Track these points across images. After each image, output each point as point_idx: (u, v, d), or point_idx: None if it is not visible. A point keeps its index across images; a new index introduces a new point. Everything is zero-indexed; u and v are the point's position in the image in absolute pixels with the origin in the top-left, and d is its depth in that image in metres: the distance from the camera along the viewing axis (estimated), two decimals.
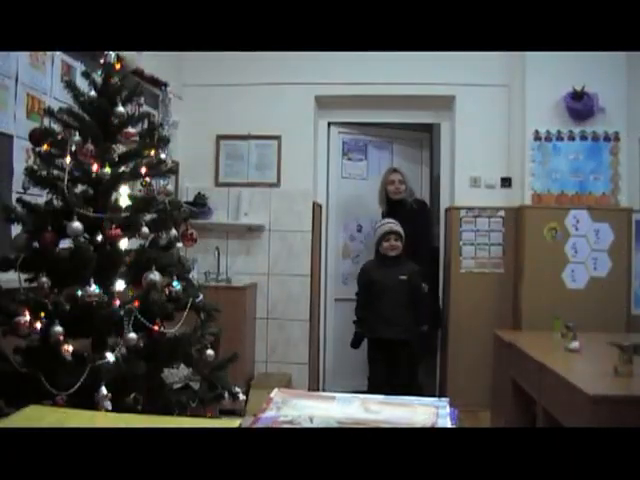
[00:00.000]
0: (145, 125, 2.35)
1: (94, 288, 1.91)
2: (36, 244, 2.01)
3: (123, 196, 2.07)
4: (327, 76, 4.59)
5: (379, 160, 4.92)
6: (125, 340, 1.95)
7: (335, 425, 0.83)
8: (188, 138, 4.67)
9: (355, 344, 3.99)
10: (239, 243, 4.69)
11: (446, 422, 0.85)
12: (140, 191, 2.18)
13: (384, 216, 4.40)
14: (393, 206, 4.45)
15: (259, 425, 0.84)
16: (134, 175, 2.14)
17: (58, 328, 1.88)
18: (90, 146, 2.00)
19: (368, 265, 4.05)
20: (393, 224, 3.95)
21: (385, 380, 3.75)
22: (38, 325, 1.90)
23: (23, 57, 2.71)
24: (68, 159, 2.01)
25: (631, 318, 4.13)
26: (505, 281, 4.44)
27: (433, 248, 4.69)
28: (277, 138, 4.68)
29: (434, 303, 4.49)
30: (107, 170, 2.05)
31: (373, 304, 3.81)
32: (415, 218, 4.37)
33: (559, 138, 4.26)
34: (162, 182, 2.29)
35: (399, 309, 3.74)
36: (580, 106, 4.16)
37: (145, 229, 2.08)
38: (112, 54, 2.17)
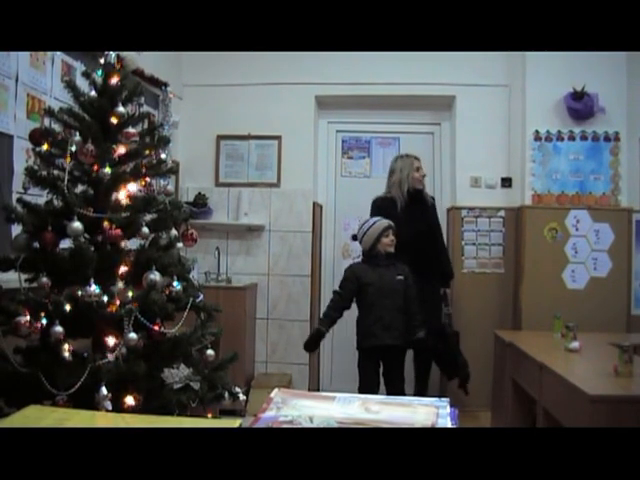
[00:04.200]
0: (145, 125, 2.36)
1: (94, 288, 1.91)
2: (36, 244, 2.01)
3: (129, 192, 2.07)
4: (327, 76, 4.59)
5: (383, 157, 4.90)
6: (125, 340, 1.95)
7: (335, 425, 0.83)
8: (188, 138, 4.68)
9: (312, 344, 3.49)
10: (239, 243, 4.70)
11: (446, 422, 0.85)
12: (140, 191, 2.18)
13: (403, 208, 3.83)
14: (414, 197, 3.89)
15: (259, 425, 0.84)
16: (134, 175, 2.15)
17: (58, 328, 1.88)
18: (90, 146, 2.00)
19: (357, 267, 3.61)
20: (387, 220, 3.57)
21: (377, 392, 3.40)
22: (38, 325, 1.90)
23: (23, 57, 2.71)
24: (68, 159, 2.01)
25: (631, 318, 4.14)
26: (505, 281, 4.45)
27: (447, 257, 4.17)
28: (277, 138, 4.68)
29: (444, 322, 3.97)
30: (107, 170, 2.05)
31: (368, 309, 3.46)
32: (434, 216, 4.02)
33: (559, 138, 4.26)
34: (162, 182, 2.29)
35: (397, 312, 3.44)
36: (580, 106, 4.16)
37: (145, 229, 2.08)
38: (112, 54, 2.17)
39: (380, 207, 3.88)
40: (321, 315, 3.60)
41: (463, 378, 3.92)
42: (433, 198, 4.12)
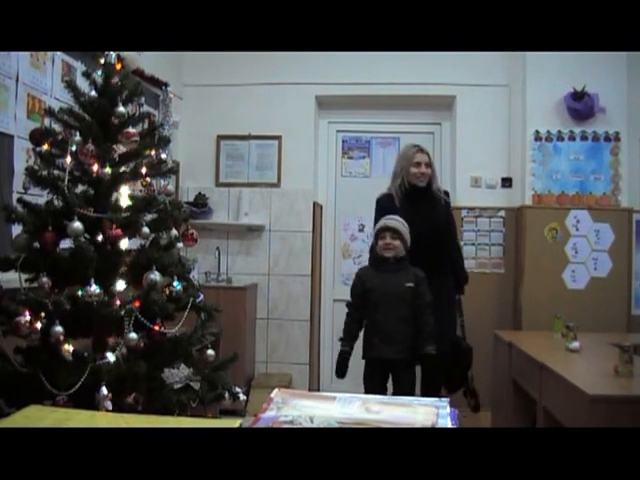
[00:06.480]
0: (145, 125, 2.35)
1: (94, 288, 1.90)
2: (36, 244, 2.00)
3: (123, 196, 2.07)
4: (327, 76, 4.60)
5: (383, 157, 4.91)
6: (125, 340, 1.95)
7: (335, 425, 0.83)
8: (188, 138, 4.68)
9: (341, 369, 3.14)
10: (239, 243, 4.70)
11: (446, 422, 0.85)
12: (141, 191, 2.18)
13: (402, 205, 3.40)
14: (413, 195, 3.41)
15: (259, 425, 0.84)
16: (134, 175, 2.14)
17: (58, 328, 1.88)
18: (90, 146, 2.00)
19: (363, 271, 3.29)
20: (391, 220, 3.18)
21: None
22: (38, 325, 1.89)
23: (24, 57, 2.71)
24: (69, 159, 2.01)
25: (631, 318, 4.14)
26: (505, 281, 4.45)
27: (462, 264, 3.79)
28: (277, 138, 4.68)
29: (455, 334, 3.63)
30: (107, 170, 2.05)
31: (370, 317, 3.13)
32: (445, 216, 3.52)
33: (560, 138, 4.27)
34: (163, 182, 2.29)
35: (399, 323, 3.05)
36: (581, 106, 4.16)
37: (145, 229, 2.08)
38: (112, 54, 2.16)
39: (381, 204, 3.53)
40: (341, 334, 3.26)
41: (472, 394, 3.66)
42: (447, 194, 3.65)
